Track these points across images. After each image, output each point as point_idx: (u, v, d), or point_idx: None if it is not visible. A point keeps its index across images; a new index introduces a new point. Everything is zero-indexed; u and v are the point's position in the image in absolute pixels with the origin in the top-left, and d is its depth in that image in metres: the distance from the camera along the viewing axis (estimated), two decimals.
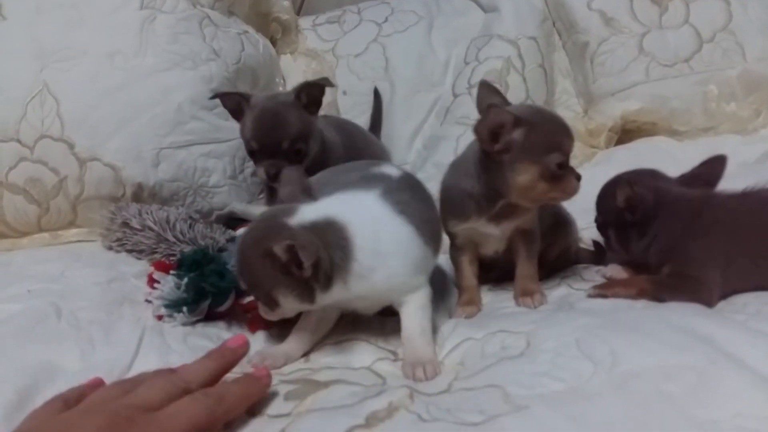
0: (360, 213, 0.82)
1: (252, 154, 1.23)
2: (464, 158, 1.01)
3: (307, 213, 0.80)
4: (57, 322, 0.91)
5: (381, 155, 1.51)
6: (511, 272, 1.04)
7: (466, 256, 1.02)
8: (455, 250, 1.03)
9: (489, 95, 0.98)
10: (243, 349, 0.76)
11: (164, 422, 0.60)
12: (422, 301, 0.86)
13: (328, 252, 0.77)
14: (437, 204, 1.01)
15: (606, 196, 1.03)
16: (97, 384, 0.71)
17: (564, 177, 0.92)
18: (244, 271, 0.83)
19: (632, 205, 0.96)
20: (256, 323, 0.94)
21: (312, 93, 1.22)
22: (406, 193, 0.89)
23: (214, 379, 0.71)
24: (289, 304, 0.81)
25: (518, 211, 0.96)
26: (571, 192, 0.93)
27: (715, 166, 1.02)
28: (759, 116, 1.51)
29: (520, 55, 1.57)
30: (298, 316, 0.88)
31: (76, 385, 0.72)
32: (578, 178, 0.93)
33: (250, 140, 1.21)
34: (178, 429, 0.61)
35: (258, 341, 0.92)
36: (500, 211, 0.95)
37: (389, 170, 0.95)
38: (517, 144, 0.90)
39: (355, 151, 1.33)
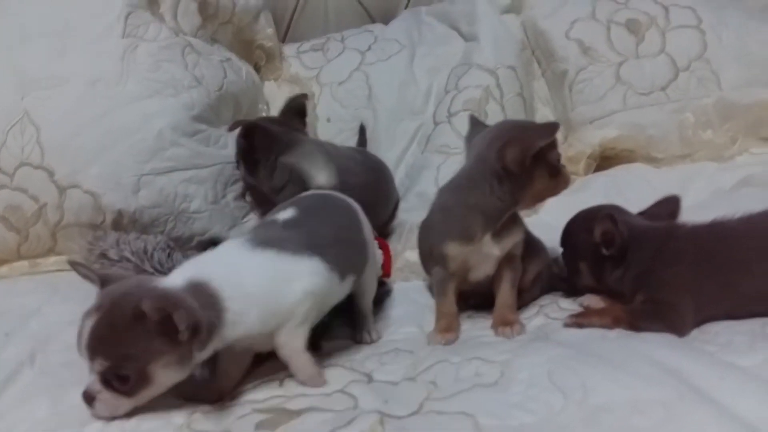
0: (220, 263, 0.83)
1: None
2: (464, 179, 1.03)
3: (169, 281, 0.79)
4: (30, 371, 0.91)
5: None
6: (488, 300, 1.04)
7: (454, 282, 1.03)
8: (445, 275, 1.03)
9: (477, 128, 1.08)
10: None
11: None
12: (300, 328, 0.84)
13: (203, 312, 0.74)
14: (429, 230, 1.06)
15: (577, 230, 1.05)
16: None
17: (561, 169, 1.01)
18: (106, 343, 0.73)
19: (608, 239, 0.98)
20: None
21: None
22: (278, 230, 0.90)
23: None
24: (165, 378, 0.75)
25: (516, 223, 1.03)
26: (569, 180, 1.03)
27: (669, 205, 1.06)
28: (735, 144, 1.53)
29: (499, 85, 1.58)
30: None
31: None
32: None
33: None
34: None
35: None
36: (504, 224, 0.99)
37: (280, 215, 0.95)
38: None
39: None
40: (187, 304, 0.73)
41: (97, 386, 0.75)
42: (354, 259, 0.96)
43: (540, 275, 1.12)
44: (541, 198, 1.04)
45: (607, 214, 0.99)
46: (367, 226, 1.04)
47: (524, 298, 1.08)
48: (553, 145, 0.98)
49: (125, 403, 0.76)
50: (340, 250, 0.91)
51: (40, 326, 1.02)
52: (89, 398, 0.76)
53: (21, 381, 0.88)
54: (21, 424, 0.78)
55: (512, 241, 1.02)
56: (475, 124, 1.11)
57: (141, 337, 0.72)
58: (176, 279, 0.79)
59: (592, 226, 1.00)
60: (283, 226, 0.92)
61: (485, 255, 1.00)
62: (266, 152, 1.34)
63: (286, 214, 0.95)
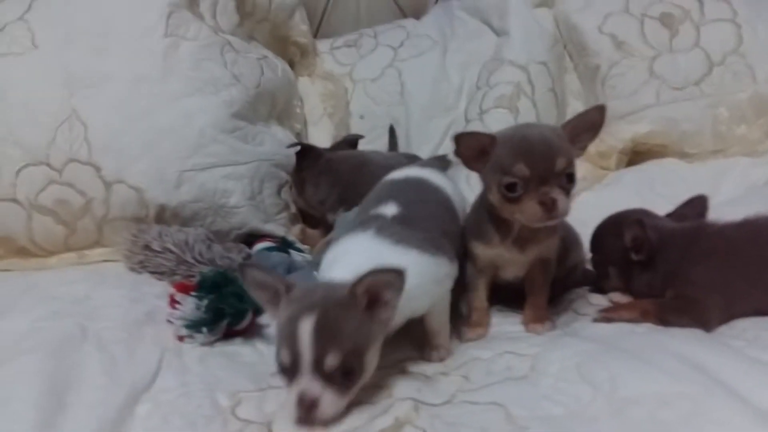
0: (374, 259, 0.81)
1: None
2: None
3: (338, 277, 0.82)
4: (82, 341, 0.93)
5: None
6: (520, 294, 1.06)
7: (484, 278, 1.04)
8: (475, 272, 1.04)
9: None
10: None
11: None
12: (444, 305, 0.95)
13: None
14: (465, 227, 1.06)
15: (607, 234, 1.07)
16: None
17: (522, 200, 0.89)
18: (336, 334, 0.73)
19: (638, 245, 1.00)
20: None
21: None
22: (397, 227, 0.91)
23: None
24: (371, 365, 0.78)
25: (539, 235, 0.97)
26: (531, 217, 0.89)
27: (697, 205, 1.07)
28: None
29: (530, 81, 1.59)
30: None
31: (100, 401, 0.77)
32: (545, 202, 0.88)
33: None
34: None
35: None
36: (520, 234, 0.98)
37: (384, 210, 0.96)
38: (489, 163, 0.93)
39: None
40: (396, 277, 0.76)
41: (318, 387, 0.71)
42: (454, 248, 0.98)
43: (574, 269, 1.14)
44: (511, 217, 0.94)
45: (637, 219, 1.00)
46: (459, 212, 1.08)
47: (556, 289, 1.09)
48: (504, 168, 0.91)
49: (343, 403, 0.74)
50: (450, 240, 0.97)
51: (89, 308, 1.05)
52: (311, 404, 0.71)
53: (74, 351, 0.90)
54: (82, 394, 0.81)
55: (539, 249, 1.00)
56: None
57: (359, 321, 0.75)
58: (343, 275, 0.80)
59: (622, 231, 1.02)
60: (390, 222, 0.92)
61: (509, 259, 1.02)
62: (311, 168, 1.45)
63: (389, 209, 0.95)
